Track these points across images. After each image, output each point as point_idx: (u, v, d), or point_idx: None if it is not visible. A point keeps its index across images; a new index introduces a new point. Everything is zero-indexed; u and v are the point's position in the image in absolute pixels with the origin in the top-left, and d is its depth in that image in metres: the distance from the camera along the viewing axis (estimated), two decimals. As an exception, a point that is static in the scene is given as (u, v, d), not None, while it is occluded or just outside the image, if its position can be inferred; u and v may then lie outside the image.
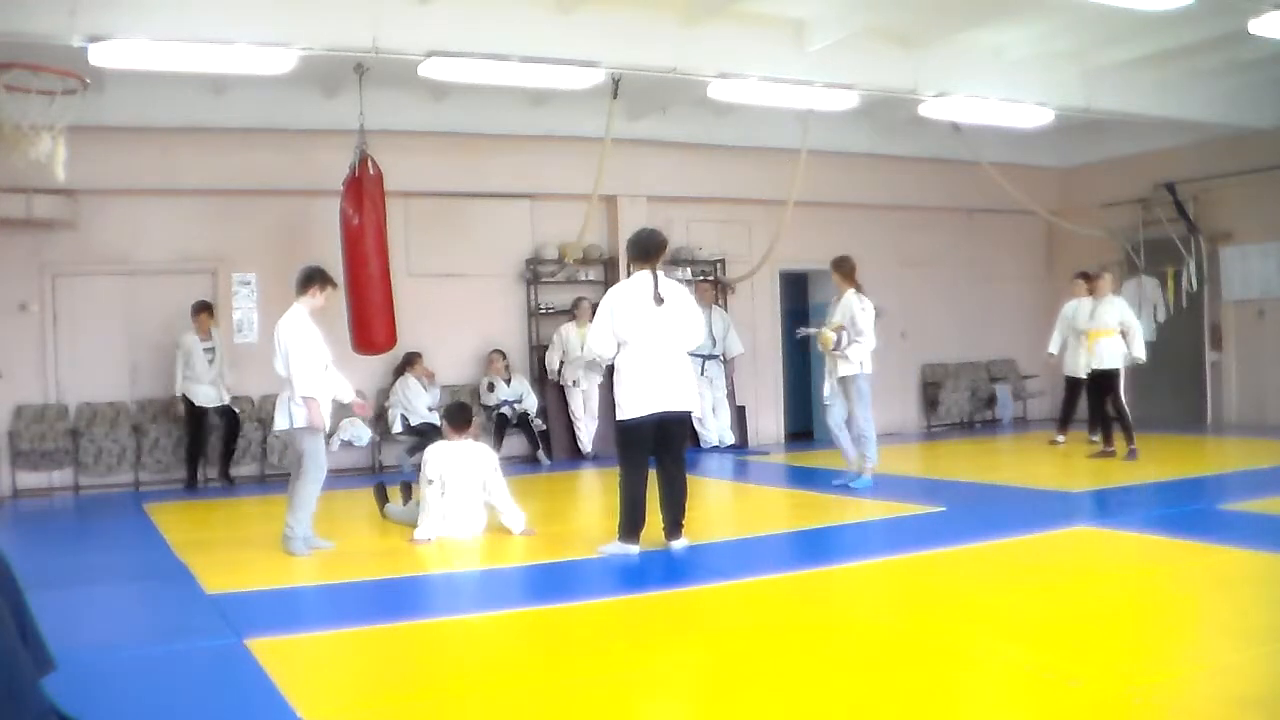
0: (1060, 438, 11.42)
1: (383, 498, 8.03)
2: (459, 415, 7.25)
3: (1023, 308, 14.69)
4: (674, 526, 6.49)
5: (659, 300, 6.31)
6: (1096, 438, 11.26)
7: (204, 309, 10.49)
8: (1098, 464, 10.24)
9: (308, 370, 6.55)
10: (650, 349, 6.32)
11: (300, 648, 4.70)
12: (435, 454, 7.00)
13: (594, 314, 9.96)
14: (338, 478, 10.57)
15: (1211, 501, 7.84)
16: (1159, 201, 13.57)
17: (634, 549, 6.35)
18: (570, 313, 12.09)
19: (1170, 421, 13.26)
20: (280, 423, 6.68)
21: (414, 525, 7.05)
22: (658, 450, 6.44)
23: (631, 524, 6.38)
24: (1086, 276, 11.36)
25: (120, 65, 8.11)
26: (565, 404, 12.24)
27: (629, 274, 6.56)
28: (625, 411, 6.33)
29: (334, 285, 7.00)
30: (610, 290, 6.64)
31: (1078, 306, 10.60)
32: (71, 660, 3.69)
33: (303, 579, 6.11)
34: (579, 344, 11.65)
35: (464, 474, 7.00)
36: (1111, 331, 10.19)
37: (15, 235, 10.23)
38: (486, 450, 7.26)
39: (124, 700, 3.94)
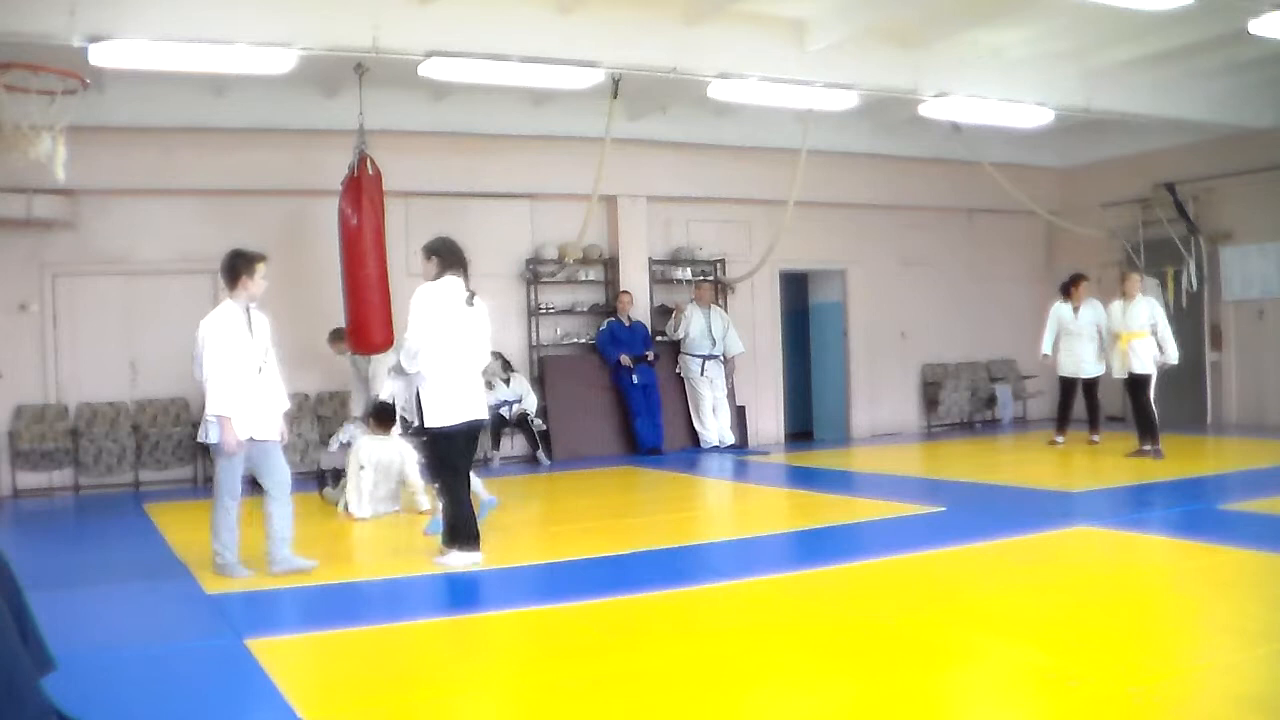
0: (1060, 438, 11.43)
1: (322, 483, 9.15)
2: (384, 414, 8.06)
3: (1023, 308, 14.67)
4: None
5: (470, 303, 6.36)
6: (1097, 438, 11.27)
7: None
8: (1097, 464, 10.26)
9: (220, 382, 5.86)
10: (461, 354, 6.31)
11: (300, 648, 4.70)
12: (366, 445, 8.11)
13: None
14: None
15: (1211, 501, 7.84)
16: (1159, 201, 13.56)
17: (479, 555, 6.31)
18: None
19: (1170, 421, 13.20)
20: (201, 434, 6.10)
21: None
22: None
23: (470, 531, 6.34)
24: (1085, 278, 11.38)
25: (120, 65, 8.10)
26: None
27: (437, 277, 6.36)
28: (445, 419, 6.20)
29: (263, 260, 6.13)
30: (422, 290, 6.33)
31: (1113, 308, 10.50)
32: (71, 660, 3.69)
33: (302, 579, 6.10)
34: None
35: (385, 463, 8.07)
36: (1144, 333, 10.21)
37: (15, 235, 10.23)
38: (407, 446, 8.09)
39: (124, 700, 3.94)
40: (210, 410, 5.88)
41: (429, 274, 6.42)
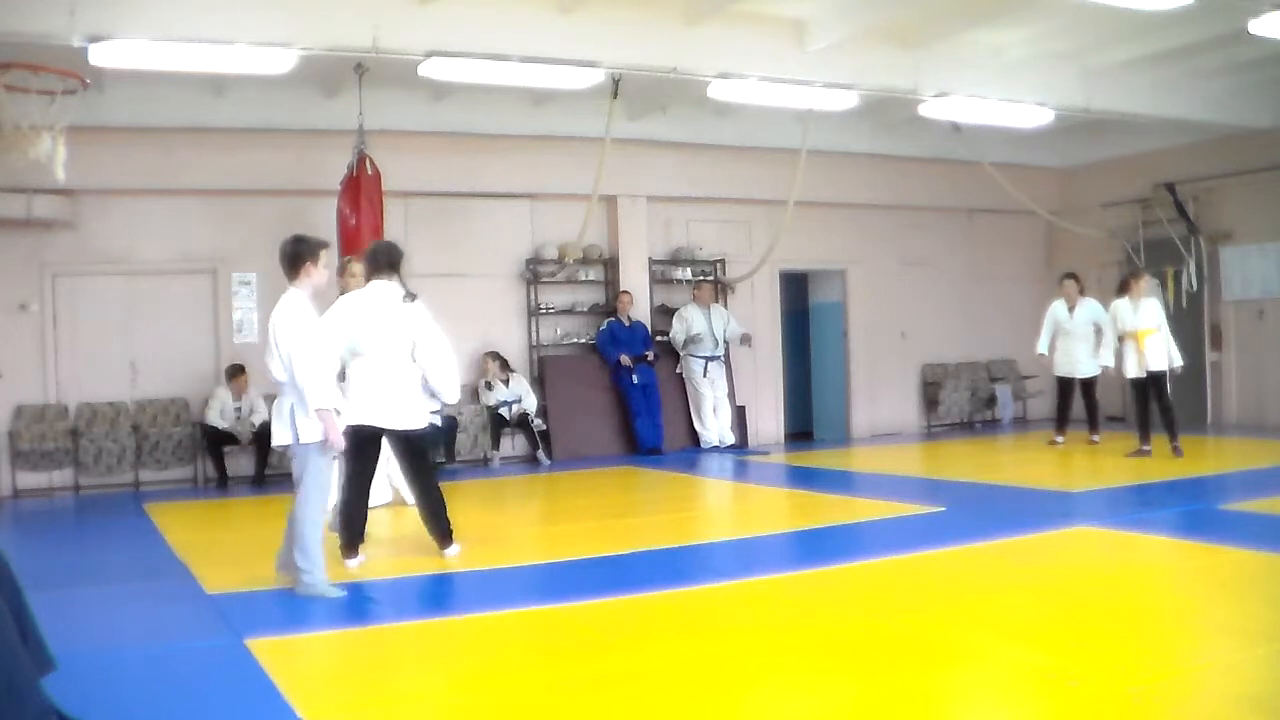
0: (1059, 438, 11.42)
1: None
2: None
3: (1023, 308, 14.67)
4: (441, 538, 6.44)
5: (411, 297, 6.27)
6: (1097, 438, 11.26)
7: (239, 372, 10.58)
8: (1097, 464, 10.25)
9: (319, 374, 5.42)
10: (372, 358, 6.24)
11: (300, 648, 4.70)
12: None
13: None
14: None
15: (1211, 501, 7.83)
16: (1159, 201, 13.56)
17: (352, 563, 6.24)
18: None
19: (1170, 421, 13.25)
20: (282, 436, 5.53)
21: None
22: (401, 466, 6.48)
23: (349, 536, 6.29)
24: (1074, 277, 11.39)
25: (120, 65, 8.11)
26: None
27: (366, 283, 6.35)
28: (348, 417, 6.02)
29: (326, 247, 5.77)
30: (342, 299, 6.42)
31: (1118, 307, 10.36)
32: (71, 660, 3.69)
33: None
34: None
35: None
36: (1156, 330, 10.18)
37: (15, 235, 10.23)
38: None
39: (124, 700, 3.94)
40: (314, 403, 5.37)
41: (360, 285, 6.43)
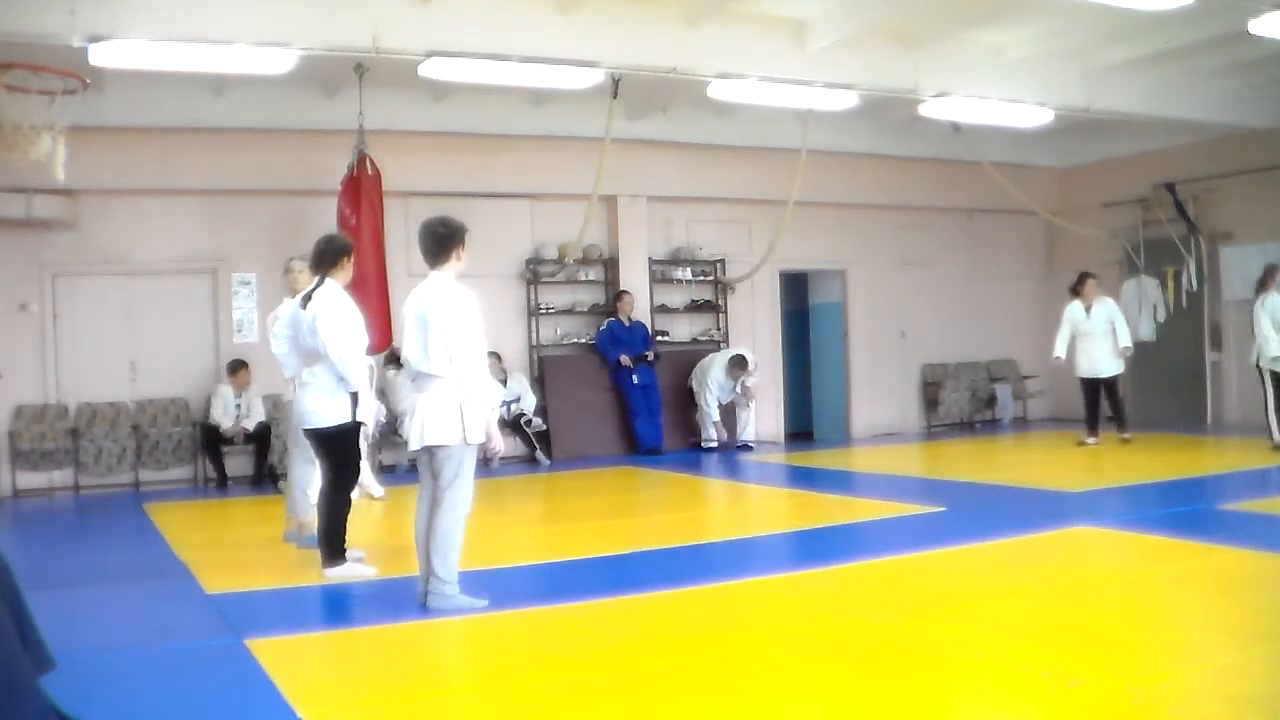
0: (1091, 439, 11.18)
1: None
2: None
3: (1023, 308, 14.71)
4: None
5: (303, 304, 5.95)
6: (1128, 435, 11.16)
7: (241, 367, 10.61)
8: (1096, 463, 10.25)
9: (484, 365, 5.05)
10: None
11: (300, 648, 4.70)
12: None
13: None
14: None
15: (1211, 501, 7.83)
16: (1159, 201, 13.56)
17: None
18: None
19: (1170, 421, 13.25)
20: (443, 434, 5.00)
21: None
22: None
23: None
24: (1094, 276, 11.38)
25: (120, 65, 8.11)
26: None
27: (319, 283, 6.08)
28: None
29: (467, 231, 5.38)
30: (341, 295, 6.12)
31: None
32: (71, 660, 3.69)
33: (303, 579, 6.09)
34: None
35: None
36: None
37: (15, 235, 10.23)
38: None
39: (124, 700, 3.94)
40: (488, 402, 5.06)
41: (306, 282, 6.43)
